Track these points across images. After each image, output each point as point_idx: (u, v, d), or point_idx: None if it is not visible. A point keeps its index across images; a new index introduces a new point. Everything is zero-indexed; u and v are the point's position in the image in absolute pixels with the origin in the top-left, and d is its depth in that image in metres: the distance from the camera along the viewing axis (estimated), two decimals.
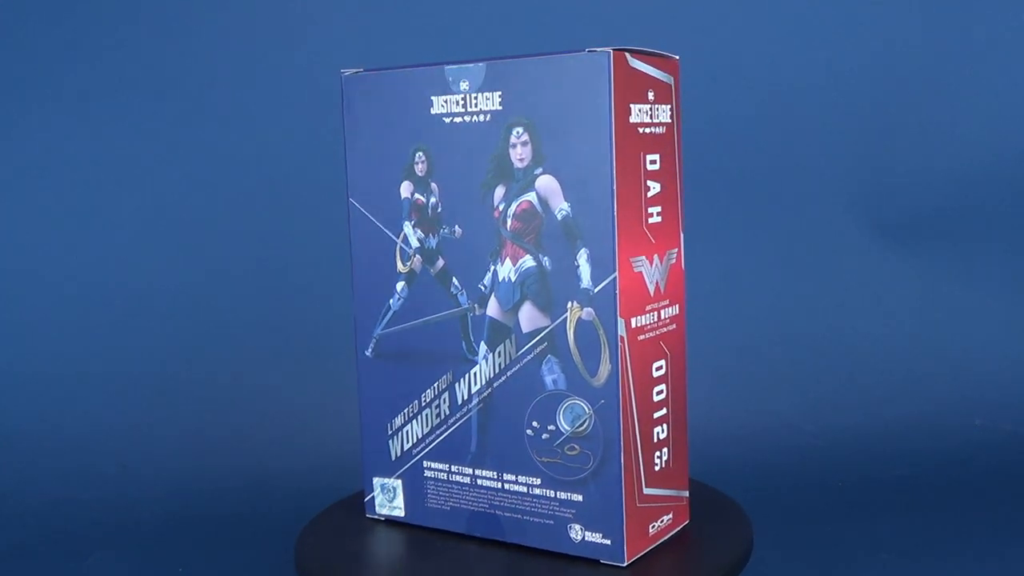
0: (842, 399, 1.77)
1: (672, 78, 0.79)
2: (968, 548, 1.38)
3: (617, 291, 0.75)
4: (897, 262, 1.87)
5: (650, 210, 0.77)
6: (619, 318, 0.75)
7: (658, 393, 0.79)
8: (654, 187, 0.77)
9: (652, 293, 0.78)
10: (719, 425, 1.73)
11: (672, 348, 0.81)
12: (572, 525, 0.77)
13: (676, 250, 0.81)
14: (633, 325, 0.76)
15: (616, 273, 0.74)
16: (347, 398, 1.72)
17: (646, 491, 0.78)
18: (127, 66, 1.80)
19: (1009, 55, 1.88)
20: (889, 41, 1.87)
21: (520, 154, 0.77)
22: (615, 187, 0.73)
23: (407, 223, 0.85)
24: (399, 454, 0.86)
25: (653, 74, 0.76)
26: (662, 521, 0.80)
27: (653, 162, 0.77)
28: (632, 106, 0.75)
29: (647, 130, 0.76)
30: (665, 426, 0.80)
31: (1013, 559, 1.35)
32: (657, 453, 0.79)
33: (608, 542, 0.76)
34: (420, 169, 0.83)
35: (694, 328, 1.94)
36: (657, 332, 0.79)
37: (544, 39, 1.80)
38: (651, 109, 0.77)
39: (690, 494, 0.90)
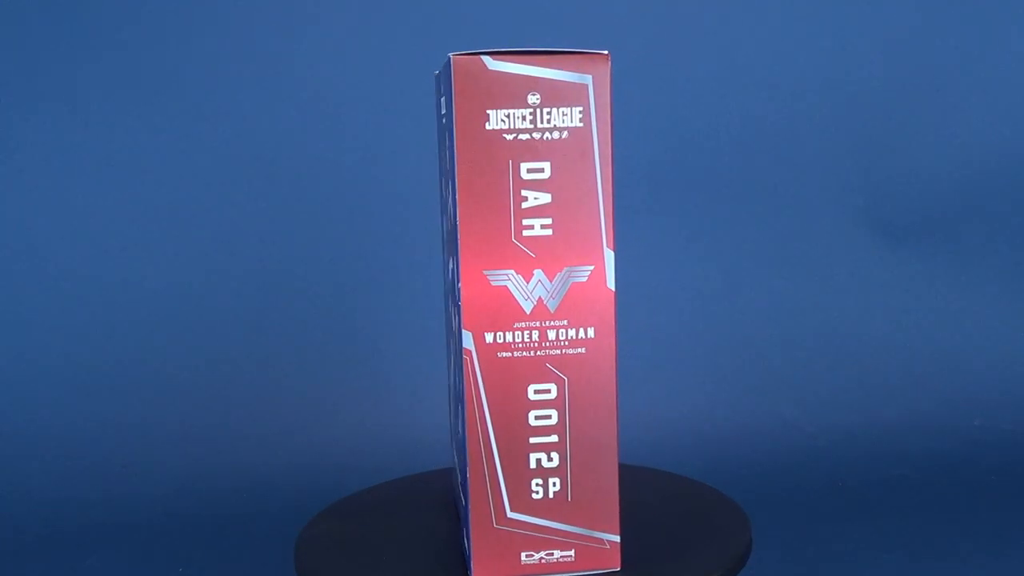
0: (842, 399, 1.77)
1: (590, 77, 0.71)
2: (968, 548, 1.38)
3: (460, 303, 0.72)
4: (897, 262, 1.87)
5: (527, 222, 0.71)
6: (463, 330, 0.73)
7: (539, 419, 0.73)
8: (537, 198, 0.71)
9: (529, 311, 0.72)
10: (719, 425, 1.73)
11: (573, 374, 0.73)
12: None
13: (591, 267, 0.73)
14: (488, 340, 0.72)
15: (459, 284, 0.72)
16: (347, 398, 1.73)
17: (510, 515, 0.74)
18: (127, 66, 1.80)
19: (1009, 56, 1.88)
20: (889, 43, 1.87)
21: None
22: (457, 197, 0.71)
23: None
24: None
25: (542, 75, 0.70)
26: (551, 556, 0.75)
27: (535, 171, 0.71)
28: (492, 112, 0.70)
29: (523, 136, 0.71)
30: (555, 455, 0.74)
31: (1013, 559, 1.35)
32: (535, 480, 0.74)
33: (466, 547, 0.76)
34: None
35: (694, 328, 1.95)
36: (537, 353, 0.73)
37: (545, 39, 1.80)
38: (533, 113, 0.71)
39: (689, 494, 0.90)
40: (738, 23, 1.86)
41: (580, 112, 0.71)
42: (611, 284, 0.72)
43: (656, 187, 1.85)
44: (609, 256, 0.72)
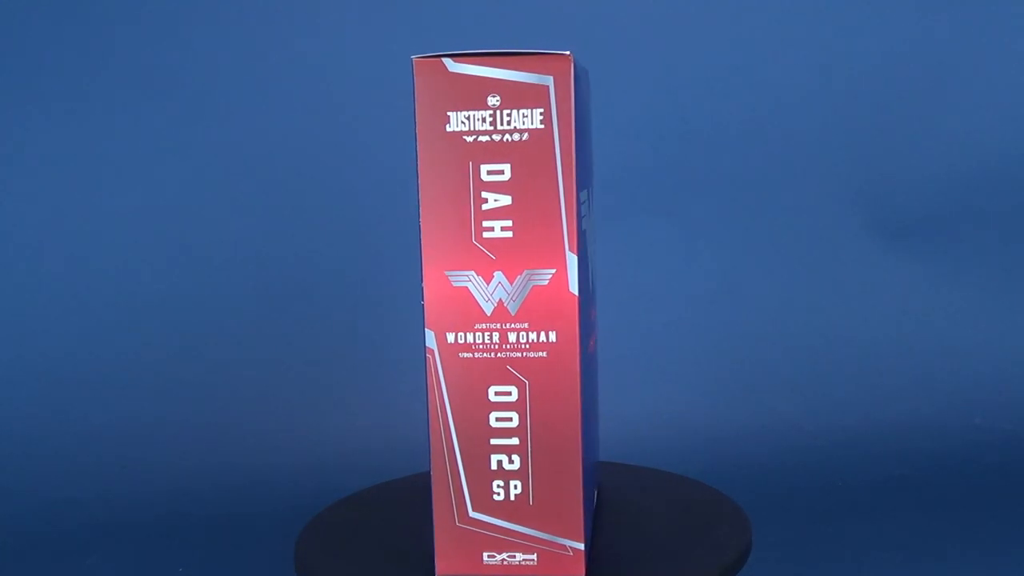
0: (842, 399, 1.77)
1: (551, 78, 0.70)
2: (968, 548, 1.38)
3: (422, 302, 0.73)
4: (897, 262, 1.87)
5: (487, 224, 0.71)
6: (426, 330, 0.73)
7: (500, 420, 0.73)
8: (497, 199, 0.71)
9: (489, 313, 0.72)
10: (719, 425, 1.73)
11: (535, 377, 0.73)
12: None
13: (552, 271, 0.72)
14: (449, 341, 0.73)
15: (422, 284, 0.73)
16: (347, 398, 1.73)
17: (472, 514, 0.75)
18: (127, 66, 1.80)
19: (1009, 55, 1.88)
20: (889, 42, 1.87)
21: None
22: (419, 197, 0.71)
23: None
24: None
25: (502, 76, 0.70)
26: (512, 558, 0.74)
27: (495, 172, 0.71)
28: (452, 114, 0.71)
29: (483, 138, 0.71)
30: (516, 457, 0.74)
31: (1013, 559, 1.35)
32: (497, 482, 0.74)
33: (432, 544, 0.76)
34: None
35: (694, 328, 1.95)
36: (498, 355, 0.73)
37: (547, 39, 1.80)
38: (493, 115, 0.71)
39: (689, 494, 0.90)
40: (737, 23, 1.86)
41: (541, 114, 0.70)
42: (574, 288, 0.71)
43: (655, 187, 1.85)
44: (571, 260, 0.71)
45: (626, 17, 1.84)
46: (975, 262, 1.88)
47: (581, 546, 0.74)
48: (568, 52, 0.69)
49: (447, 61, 0.70)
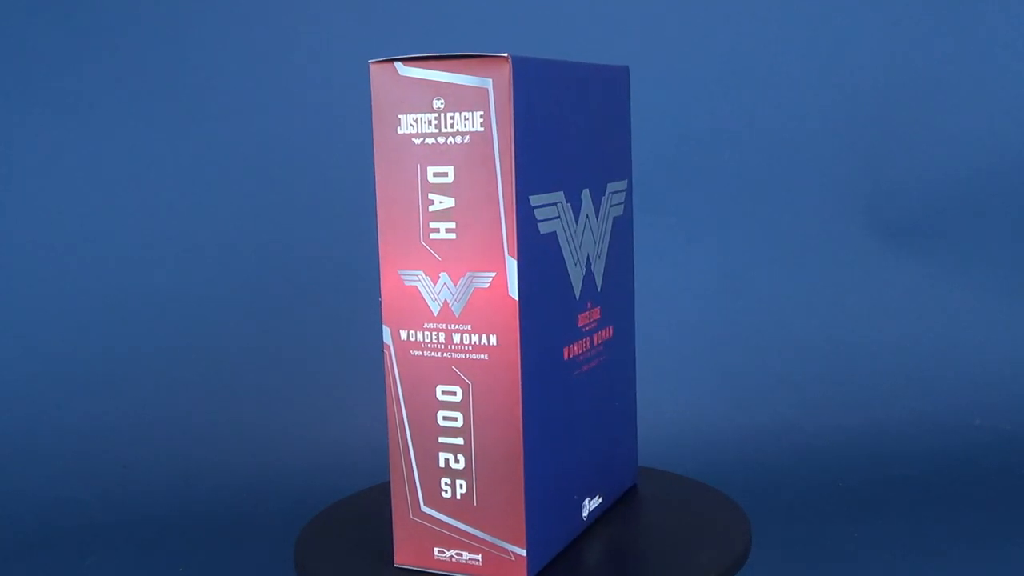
0: (842, 399, 1.77)
1: (490, 81, 0.69)
2: (968, 548, 1.38)
3: (379, 299, 0.74)
4: (897, 262, 1.87)
5: (433, 225, 0.72)
6: (383, 325, 0.75)
7: (446, 419, 0.74)
8: (441, 201, 0.71)
9: (436, 313, 0.73)
10: (719, 425, 1.73)
11: (477, 379, 0.72)
12: None
13: (492, 274, 0.71)
14: (403, 338, 0.74)
15: (380, 280, 0.74)
16: (347, 398, 1.73)
17: (423, 508, 0.75)
18: (127, 66, 1.80)
19: (1009, 55, 1.88)
20: (889, 43, 1.87)
21: None
22: (376, 197, 0.73)
23: None
24: None
25: (445, 80, 0.70)
26: (460, 555, 0.74)
27: (440, 175, 0.71)
28: (402, 116, 0.71)
29: (428, 140, 0.71)
30: (461, 457, 0.74)
31: (1013, 559, 1.35)
32: (444, 479, 0.74)
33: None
34: None
35: (694, 328, 1.95)
36: (444, 355, 0.73)
37: (548, 38, 1.80)
38: (438, 118, 0.71)
39: (689, 494, 0.90)
40: (738, 23, 1.86)
41: (481, 117, 0.70)
42: (513, 293, 0.70)
43: (656, 187, 1.85)
44: (511, 264, 0.70)
45: (626, 18, 1.84)
46: (975, 262, 1.88)
47: (523, 552, 0.73)
48: (506, 55, 0.69)
49: (398, 65, 0.71)
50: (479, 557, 0.75)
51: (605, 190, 0.82)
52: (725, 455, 1.64)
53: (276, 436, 1.69)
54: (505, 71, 0.69)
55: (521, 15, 1.83)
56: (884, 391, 1.78)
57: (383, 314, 0.74)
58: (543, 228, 0.74)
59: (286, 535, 1.32)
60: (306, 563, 0.82)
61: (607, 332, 0.83)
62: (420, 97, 0.71)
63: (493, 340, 0.72)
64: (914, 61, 1.87)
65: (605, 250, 0.83)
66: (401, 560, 0.76)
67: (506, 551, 0.74)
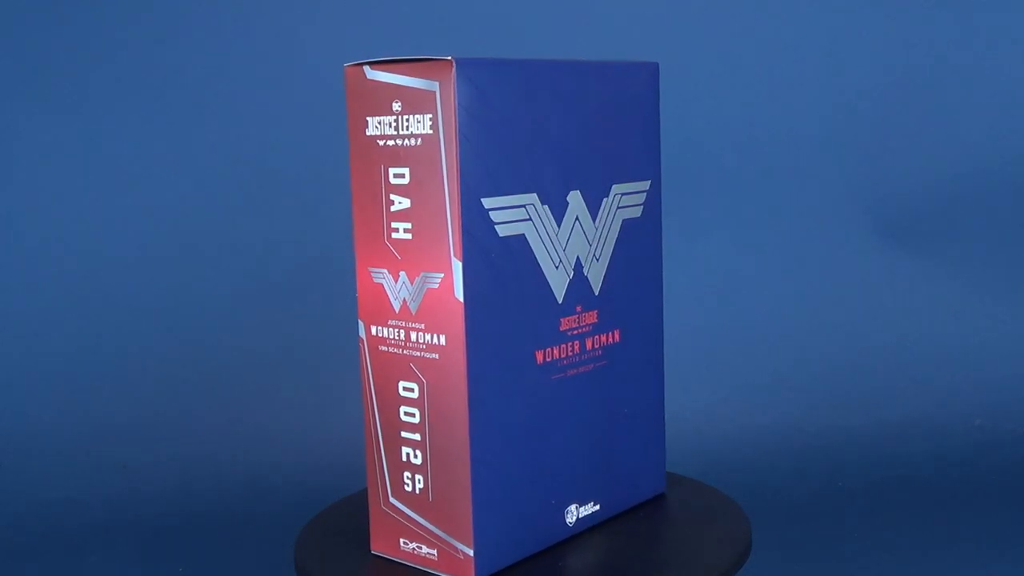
0: (842, 399, 1.77)
1: (437, 84, 0.70)
2: (968, 548, 1.38)
3: (356, 291, 0.77)
4: (897, 262, 1.87)
5: (394, 225, 0.73)
6: (359, 320, 0.76)
7: (406, 415, 0.75)
8: (400, 202, 0.73)
9: (397, 310, 0.74)
10: (719, 425, 1.73)
11: (431, 377, 0.73)
12: None
13: (440, 275, 0.72)
14: (373, 333, 0.76)
15: (356, 275, 0.77)
16: (347, 398, 1.73)
17: (391, 499, 0.77)
18: (127, 66, 1.80)
19: (1009, 55, 1.88)
20: (890, 43, 1.87)
21: None
22: (352, 196, 0.75)
23: None
24: None
25: (402, 83, 0.71)
26: (420, 548, 0.75)
27: (399, 176, 0.72)
28: (369, 119, 0.73)
29: (390, 143, 0.72)
30: (419, 453, 0.75)
31: (1013, 559, 1.35)
32: (406, 473, 0.75)
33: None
34: None
35: (695, 328, 1.95)
36: (404, 352, 0.74)
37: (550, 39, 1.80)
38: (396, 120, 0.72)
39: (689, 494, 0.90)
40: (739, 25, 1.86)
41: (430, 119, 0.71)
42: (459, 295, 0.71)
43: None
44: (456, 266, 0.71)
45: (626, 18, 1.84)
46: (976, 262, 1.88)
47: (471, 552, 0.74)
48: (449, 58, 0.69)
49: (366, 68, 0.72)
50: (435, 552, 0.76)
51: (609, 191, 0.80)
52: (725, 455, 1.64)
53: (276, 436, 1.69)
54: (449, 74, 0.69)
55: (522, 15, 1.83)
56: (884, 391, 1.78)
57: (359, 308, 0.76)
58: (504, 231, 0.73)
59: (285, 535, 1.32)
60: (306, 563, 0.82)
61: (609, 336, 0.82)
62: (383, 100, 0.72)
63: (443, 340, 0.73)
64: (914, 62, 1.87)
65: (608, 252, 0.81)
66: (376, 548, 0.79)
67: (456, 549, 0.75)
